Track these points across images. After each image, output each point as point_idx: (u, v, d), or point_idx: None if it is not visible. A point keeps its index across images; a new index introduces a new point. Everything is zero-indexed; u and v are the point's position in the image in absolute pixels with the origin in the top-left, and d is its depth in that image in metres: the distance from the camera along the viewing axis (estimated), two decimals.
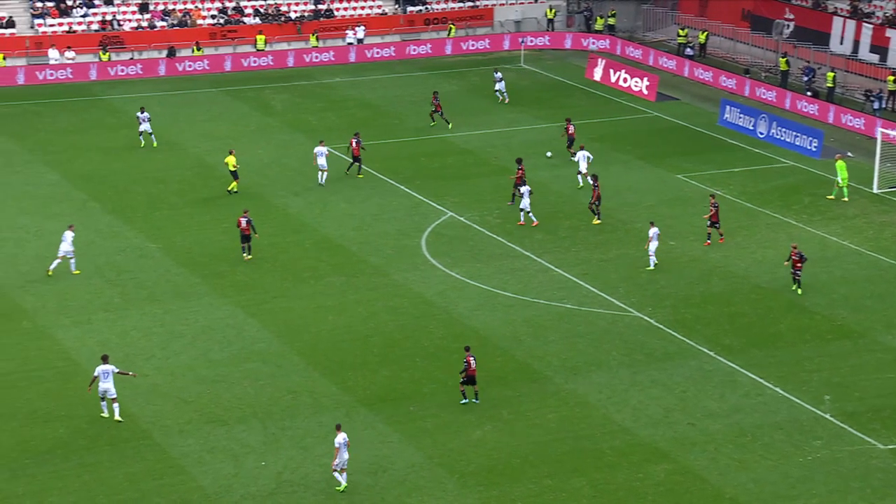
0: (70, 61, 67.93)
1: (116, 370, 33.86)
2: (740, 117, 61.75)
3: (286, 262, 44.90)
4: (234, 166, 50.64)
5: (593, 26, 79.59)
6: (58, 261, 42.86)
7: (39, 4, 70.65)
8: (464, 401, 34.95)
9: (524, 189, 48.40)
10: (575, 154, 53.86)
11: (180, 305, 40.99)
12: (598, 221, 48.41)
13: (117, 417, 33.67)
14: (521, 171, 50.02)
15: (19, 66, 66.98)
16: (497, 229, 48.35)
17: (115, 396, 33.65)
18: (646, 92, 67.31)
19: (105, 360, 33.91)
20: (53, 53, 67.84)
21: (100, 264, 44.03)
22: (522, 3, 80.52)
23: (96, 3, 71.95)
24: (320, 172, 52.26)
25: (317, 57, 72.42)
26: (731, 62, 73.00)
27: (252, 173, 53.81)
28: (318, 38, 73.95)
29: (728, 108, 62.66)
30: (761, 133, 60.19)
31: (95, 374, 33.66)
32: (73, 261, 43.00)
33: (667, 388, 36.39)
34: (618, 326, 40.28)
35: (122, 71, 68.27)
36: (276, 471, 31.85)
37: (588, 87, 69.32)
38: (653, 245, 44.28)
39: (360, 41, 74.66)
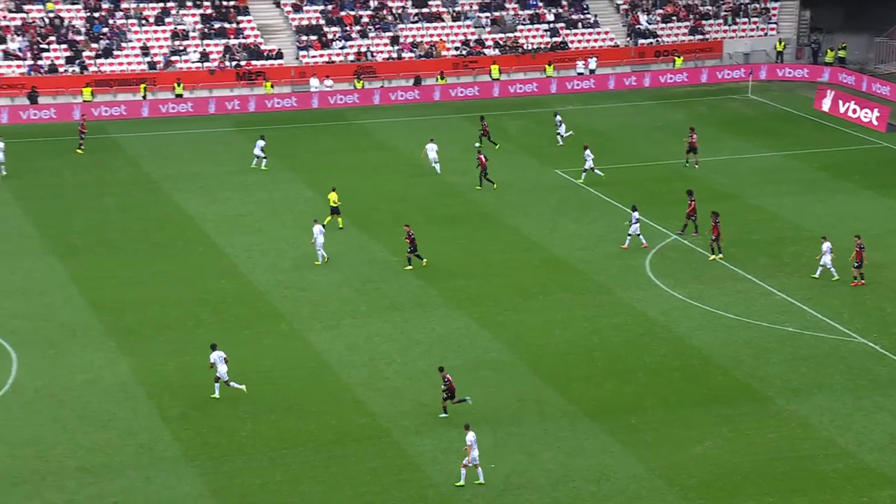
0: (328, 89, 70.41)
1: (225, 356, 35.52)
2: None
3: (517, 278, 45.07)
4: (336, 202, 49.41)
5: (822, 58, 76.92)
6: (321, 252, 45.11)
7: (304, 38, 73.58)
8: (444, 415, 34.61)
9: (634, 214, 47.24)
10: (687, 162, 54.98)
11: (419, 315, 41.68)
12: (714, 258, 46.08)
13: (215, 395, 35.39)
14: (693, 203, 48.59)
15: (286, 94, 69.79)
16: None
17: (227, 379, 35.36)
18: (876, 123, 64.51)
19: (214, 347, 35.75)
20: (314, 82, 70.47)
21: (347, 274, 45.27)
22: (752, 36, 78.60)
23: (353, 36, 74.34)
24: (435, 164, 55.92)
25: (555, 85, 72.82)
26: None
27: (487, 195, 54.34)
28: (554, 69, 74.25)
29: None
30: None
31: (213, 360, 35.41)
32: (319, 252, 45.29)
33: (893, 414, 34.60)
34: (841, 351, 38.60)
35: (376, 98, 70.23)
36: (504, 473, 31.91)
37: (816, 117, 66.99)
38: (826, 258, 43.52)
39: (591, 72, 74.46)
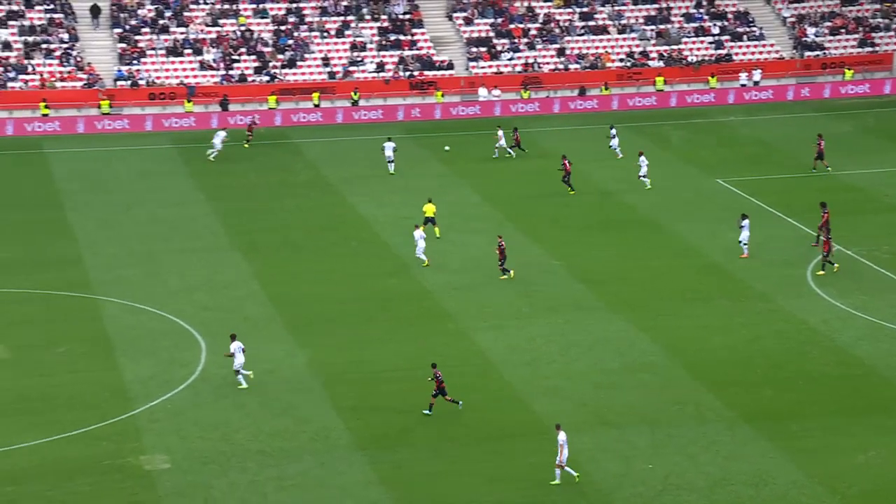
0: (496, 98, 70.74)
1: (243, 346, 36.09)
2: None
3: (676, 283, 44.34)
4: (432, 214, 48.90)
5: None
6: (423, 257, 45.27)
7: (474, 50, 74.17)
8: (427, 412, 34.01)
9: (744, 222, 45.69)
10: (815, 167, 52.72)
11: (579, 317, 41.45)
12: (823, 273, 44.17)
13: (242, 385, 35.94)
14: (826, 216, 46.49)
15: (451, 103, 70.47)
16: (886, 264, 45.44)
17: (237, 369, 35.96)
18: None
19: (234, 338, 36.32)
20: (483, 91, 70.94)
21: (511, 277, 45.34)
22: None
23: (521, 48, 74.50)
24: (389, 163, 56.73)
25: (713, 97, 71.43)
26: None
27: (647, 203, 53.67)
28: (717, 80, 72.82)
29: None
30: None
31: (232, 350, 35.88)
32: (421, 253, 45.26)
33: None
34: None
35: (535, 108, 70.20)
36: (663, 474, 31.43)
37: None
38: None
39: (755, 83, 72.71)
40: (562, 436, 30.74)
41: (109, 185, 57.62)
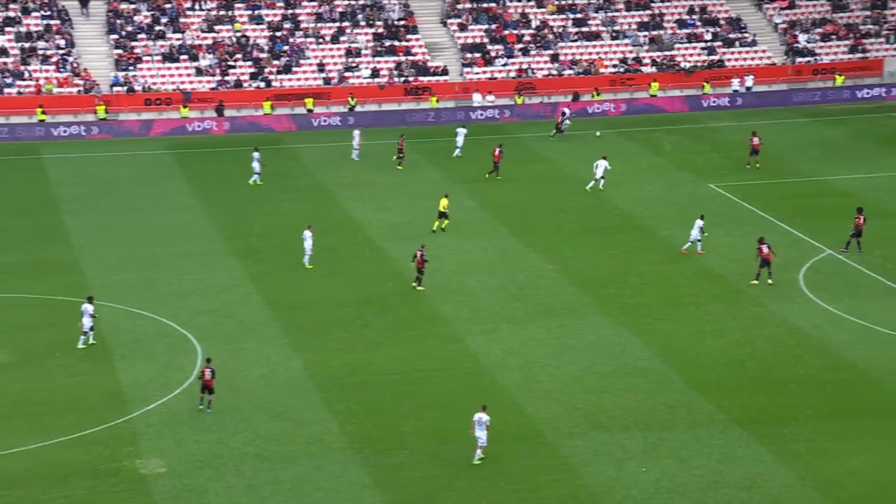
0: (490, 104, 70.79)
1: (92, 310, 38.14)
2: None
3: (669, 288, 44.40)
4: (445, 208, 49.76)
5: None
6: (307, 257, 45.82)
7: (469, 55, 74.22)
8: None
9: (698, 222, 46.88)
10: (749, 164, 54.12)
11: (572, 321, 41.48)
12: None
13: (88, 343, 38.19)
14: (858, 219, 46.67)
15: (443, 108, 70.52)
16: (878, 268, 45.55)
17: (90, 326, 38.14)
18: None
19: (90, 300, 38.47)
20: (477, 97, 71.00)
21: (505, 281, 45.39)
22: None
23: (515, 54, 74.55)
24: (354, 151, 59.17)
25: (713, 102, 71.55)
26: None
27: (640, 207, 53.74)
28: (711, 86, 72.98)
29: None
30: None
31: (82, 310, 38.03)
32: (307, 257, 45.82)
33: None
34: None
35: (532, 113, 70.29)
36: (655, 477, 31.47)
37: None
38: None
39: (748, 89, 72.85)
40: (478, 416, 31.56)
41: (106, 190, 57.58)
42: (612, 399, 35.82)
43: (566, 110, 66.13)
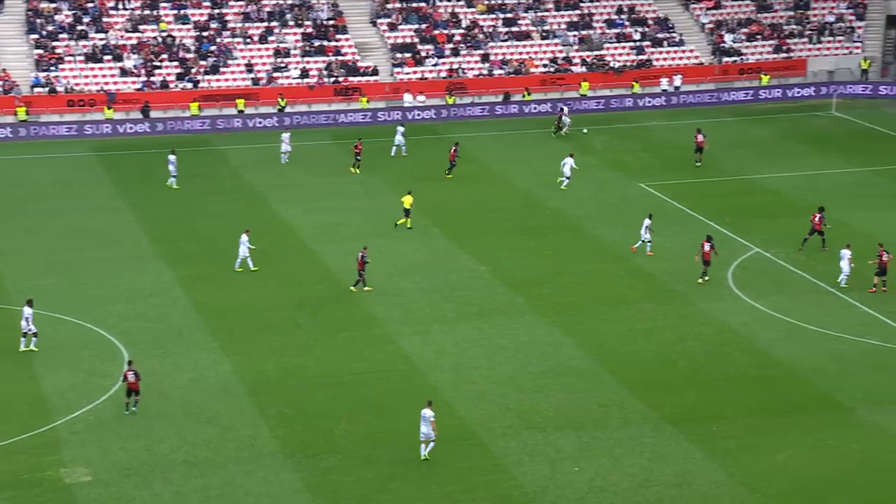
0: (421, 104, 70.71)
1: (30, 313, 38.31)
2: None
3: (601, 288, 44.67)
4: (409, 205, 50.59)
5: None
6: (239, 261, 45.54)
7: (399, 56, 74.04)
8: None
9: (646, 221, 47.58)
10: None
11: (504, 322, 41.54)
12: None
13: (32, 348, 38.41)
14: (814, 217, 47.53)
15: (378, 109, 70.30)
16: (803, 266, 46.28)
17: (34, 331, 38.40)
18: None
19: (30, 304, 38.64)
20: (408, 97, 70.86)
21: (437, 282, 45.30)
22: (836, 55, 77.02)
23: (446, 53, 74.54)
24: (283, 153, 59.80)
25: (639, 101, 72.27)
26: None
27: (571, 207, 54.02)
28: (640, 85, 73.68)
29: None
30: None
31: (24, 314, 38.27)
32: (249, 259, 45.60)
33: None
34: None
35: (467, 112, 70.35)
36: (589, 477, 31.60)
37: None
38: (843, 264, 43.52)
39: (676, 89, 73.67)
40: (424, 411, 31.90)
41: (28, 194, 56.38)
42: (545, 399, 35.91)
43: (564, 108, 66.05)
